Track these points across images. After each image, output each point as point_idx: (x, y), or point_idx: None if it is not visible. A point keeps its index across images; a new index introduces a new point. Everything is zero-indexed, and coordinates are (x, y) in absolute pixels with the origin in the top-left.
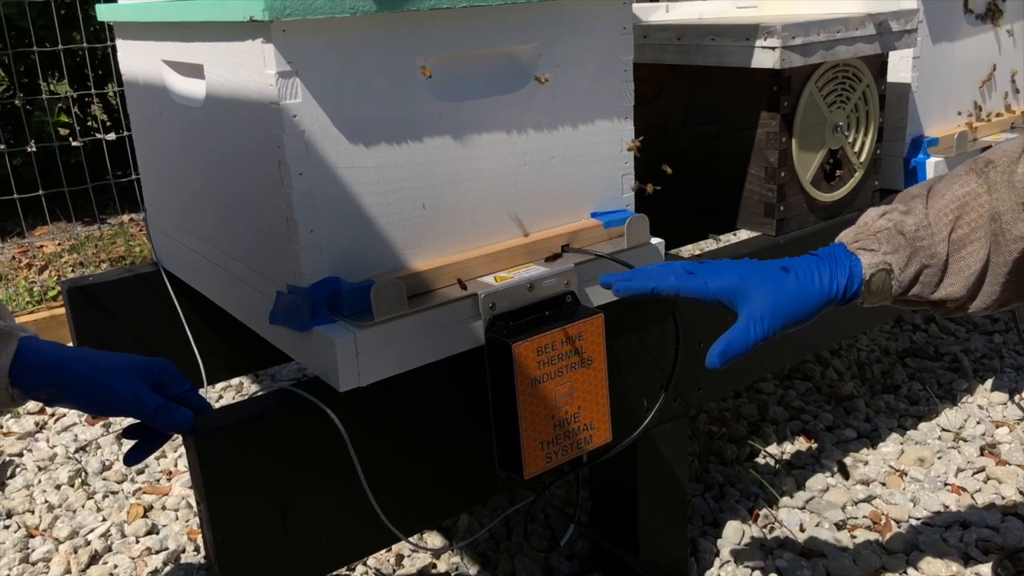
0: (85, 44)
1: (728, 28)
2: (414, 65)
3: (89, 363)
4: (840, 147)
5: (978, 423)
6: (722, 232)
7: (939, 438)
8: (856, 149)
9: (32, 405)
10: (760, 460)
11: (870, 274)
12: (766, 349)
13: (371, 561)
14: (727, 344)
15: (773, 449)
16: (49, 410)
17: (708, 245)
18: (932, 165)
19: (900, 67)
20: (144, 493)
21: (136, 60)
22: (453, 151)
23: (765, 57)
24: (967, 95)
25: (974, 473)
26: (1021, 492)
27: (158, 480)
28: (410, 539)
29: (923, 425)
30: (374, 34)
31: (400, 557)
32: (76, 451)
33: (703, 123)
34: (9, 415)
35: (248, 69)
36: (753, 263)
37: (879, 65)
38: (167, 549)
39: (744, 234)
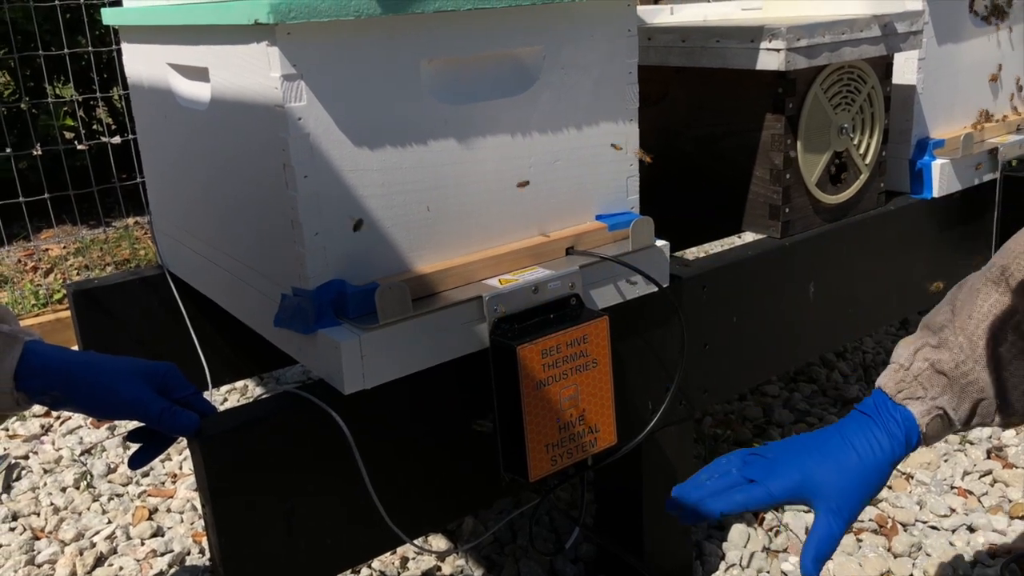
0: (91, 48)
1: (733, 30)
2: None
3: (94, 367)
4: (845, 149)
5: None
6: (727, 234)
7: (945, 441)
8: (861, 151)
9: (38, 408)
10: None
11: (925, 423)
12: (770, 351)
13: (376, 564)
14: (816, 549)
15: None
16: (55, 413)
17: (713, 248)
18: (938, 167)
19: (905, 69)
20: (149, 496)
21: (141, 63)
22: (458, 153)
23: (770, 59)
24: (973, 97)
25: (981, 476)
26: None
27: (163, 483)
28: (415, 542)
29: None
30: (379, 37)
31: (405, 560)
32: (82, 454)
33: (708, 125)
34: (15, 418)
35: (253, 72)
36: (806, 444)
37: (884, 67)
38: (172, 551)
39: (749, 236)
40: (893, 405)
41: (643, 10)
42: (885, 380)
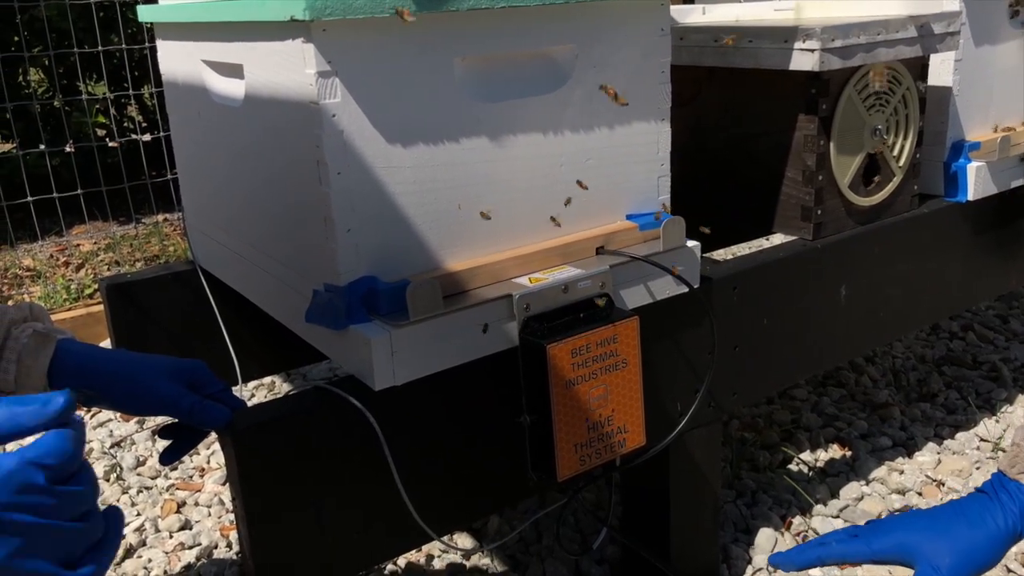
0: (124, 45)
1: (766, 30)
2: (451, 61)
3: (125, 364)
4: (879, 151)
5: None
6: (757, 236)
7: (977, 448)
8: (895, 153)
9: None
10: (793, 467)
11: None
12: (800, 354)
13: (401, 561)
14: None
15: (807, 456)
16: (84, 406)
17: (741, 250)
18: (973, 170)
19: (941, 70)
20: (177, 489)
21: (176, 60)
22: (489, 151)
23: (804, 59)
24: (1010, 99)
25: None
26: None
27: (191, 477)
28: (441, 539)
29: (960, 435)
30: (413, 34)
31: (430, 557)
32: (111, 447)
33: (740, 125)
34: None
35: (288, 69)
36: (917, 513)
37: (920, 68)
38: (200, 545)
39: (777, 239)
40: (1008, 480)
41: (675, 10)
42: (1002, 460)
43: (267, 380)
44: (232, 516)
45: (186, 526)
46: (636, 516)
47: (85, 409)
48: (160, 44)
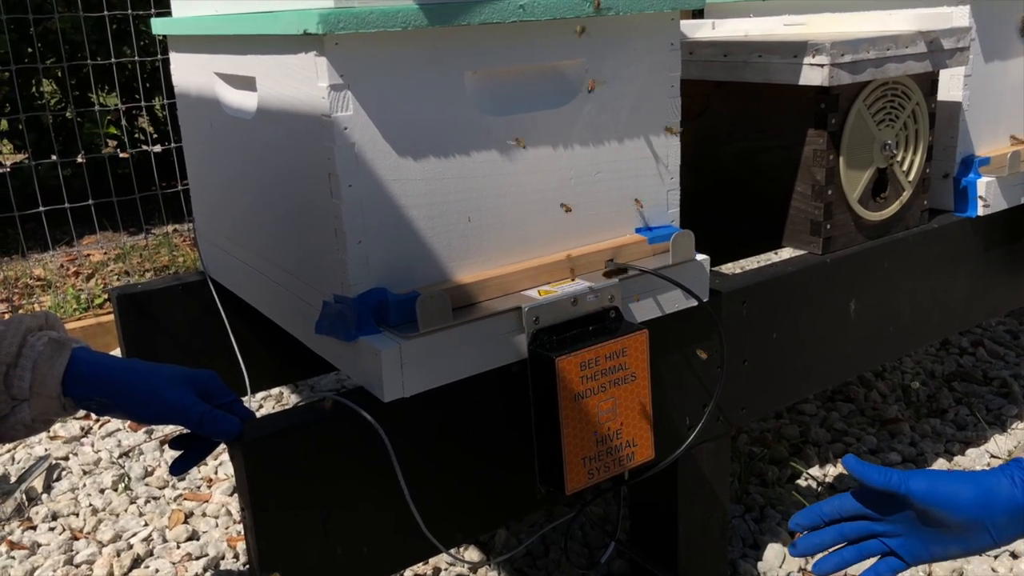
0: (136, 57)
1: (775, 45)
2: (464, 78)
3: (138, 373)
4: (888, 165)
5: None
6: (765, 250)
7: (988, 464)
8: (905, 168)
9: None
10: (802, 482)
11: None
12: (809, 369)
13: (408, 573)
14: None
15: (815, 471)
16: (94, 415)
17: (750, 264)
18: (983, 185)
19: (951, 85)
20: (185, 499)
21: (189, 73)
22: (500, 164)
23: (813, 74)
24: (1020, 114)
25: None
26: None
27: (199, 487)
28: (449, 552)
29: (971, 451)
30: (425, 48)
31: (437, 571)
32: (120, 456)
33: (749, 140)
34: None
35: (300, 82)
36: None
37: (929, 83)
38: (207, 555)
39: (786, 253)
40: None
41: (685, 24)
42: None
43: (275, 391)
44: (240, 527)
45: (193, 537)
46: (644, 530)
47: (95, 418)
48: (173, 56)
